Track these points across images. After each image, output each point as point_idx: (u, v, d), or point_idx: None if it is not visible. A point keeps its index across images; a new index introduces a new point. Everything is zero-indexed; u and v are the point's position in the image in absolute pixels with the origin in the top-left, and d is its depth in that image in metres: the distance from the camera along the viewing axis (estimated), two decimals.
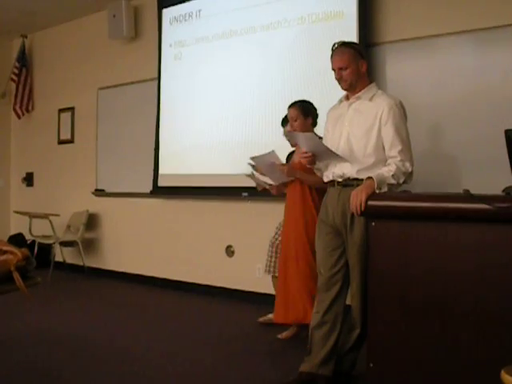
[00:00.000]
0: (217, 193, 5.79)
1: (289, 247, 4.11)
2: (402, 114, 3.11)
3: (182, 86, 6.20)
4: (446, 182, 4.25)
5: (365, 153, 3.11)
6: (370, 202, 2.89)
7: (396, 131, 3.05)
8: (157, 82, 6.37)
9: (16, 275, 1.90)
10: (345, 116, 3.20)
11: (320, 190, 3.76)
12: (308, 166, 3.45)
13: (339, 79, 3.16)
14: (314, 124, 4.17)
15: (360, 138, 3.12)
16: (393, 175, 2.99)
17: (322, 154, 3.24)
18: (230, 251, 5.86)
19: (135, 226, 6.83)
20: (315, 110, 4.15)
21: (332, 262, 3.25)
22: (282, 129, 4.53)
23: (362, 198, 2.87)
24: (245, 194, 5.46)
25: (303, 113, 4.09)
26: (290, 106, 4.16)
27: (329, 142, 3.24)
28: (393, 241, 2.85)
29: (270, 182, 4.28)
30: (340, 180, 3.19)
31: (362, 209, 2.87)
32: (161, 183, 6.36)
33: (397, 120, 3.06)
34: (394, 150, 3.04)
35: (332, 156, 3.18)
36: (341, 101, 3.29)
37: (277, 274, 4.38)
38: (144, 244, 6.70)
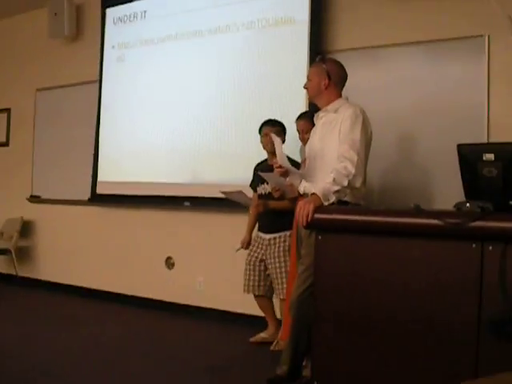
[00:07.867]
0: (157, 202, 5.59)
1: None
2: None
3: (125, 90, 5.95)
4: (398, 196, 4.18)
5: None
6: (316, 215, 2.85)
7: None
8: (98, 84, 6.11)
9: None
10: None
11: None
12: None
13: None
14: None
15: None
16: (334, 180, 2.95)
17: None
18: (169, 263, 5.61)
19: (72, 234, 6.50)
20: None
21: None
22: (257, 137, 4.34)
23: (310, 208, 2.84)
24: (187, 203, 5.33)
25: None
26: (299, 118, 3.91)
27: None
28: (339, 255, 2.81)
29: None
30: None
31: (309, 220, 2.83)
32: (99, 190, 6.09)
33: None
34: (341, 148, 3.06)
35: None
36: None
37: (257, 293, 4.33)
38: (81, 254, 6.38)
